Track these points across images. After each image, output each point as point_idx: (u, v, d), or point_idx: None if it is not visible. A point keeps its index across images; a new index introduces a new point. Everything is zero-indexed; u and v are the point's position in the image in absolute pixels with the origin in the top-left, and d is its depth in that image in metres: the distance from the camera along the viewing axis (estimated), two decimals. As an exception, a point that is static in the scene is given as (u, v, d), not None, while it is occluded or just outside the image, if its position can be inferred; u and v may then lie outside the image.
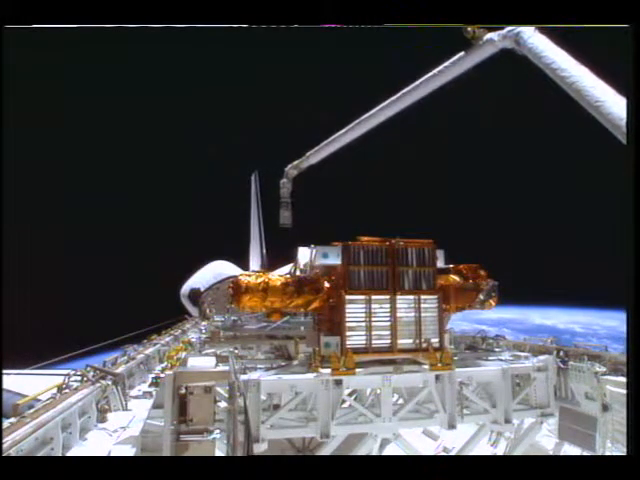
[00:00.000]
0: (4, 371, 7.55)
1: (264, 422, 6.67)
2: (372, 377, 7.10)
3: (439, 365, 7.23)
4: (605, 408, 7.89)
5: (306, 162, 14.49)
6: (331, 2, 4.22)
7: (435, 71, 9.51)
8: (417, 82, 9.87)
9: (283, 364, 8.08)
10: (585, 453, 8.11)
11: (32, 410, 7.12)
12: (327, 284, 7.68)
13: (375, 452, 8.18)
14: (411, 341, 7.42)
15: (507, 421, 7.63)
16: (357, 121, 11.59)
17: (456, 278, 8.56)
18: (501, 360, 8.42)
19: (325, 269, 7.89)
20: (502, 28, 7.99)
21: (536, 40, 7.60)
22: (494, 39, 8.34)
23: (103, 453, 7.47)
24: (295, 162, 14.88)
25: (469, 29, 8.46)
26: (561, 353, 9.04)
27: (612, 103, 6.17)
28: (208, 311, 12.27)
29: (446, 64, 9.33)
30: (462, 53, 9.02)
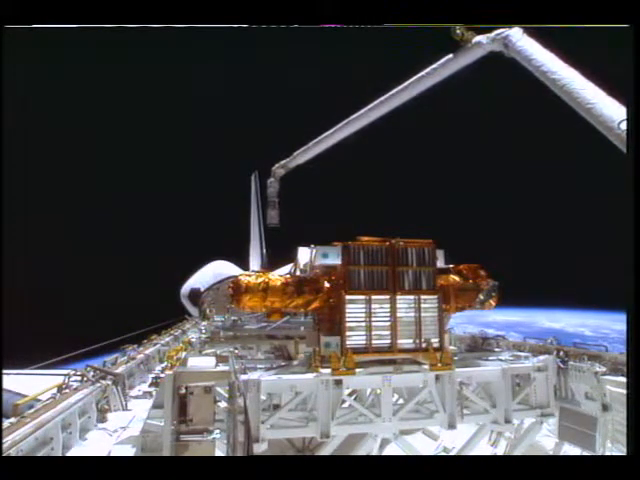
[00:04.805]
0: (4, 371, 7.54)
1: (264, 422, 6.66)
2: (372, 377, 7.09)
3: (439, 365, 7.22)
4: (605, 408, 7.88)
5: (293, 162, 14.54)
6: (331, 2, 4.22)
7: (423, 73, 9.53)
8: (405, 83, 9.90)
9: (283, 364, 8.07)
10: (585, 453, 8.10)
11: (32, 410, 7.12)
12: (327, 284, 7.68)
13: (375, 452, 8.18)
14: (411, 341, 7.41)
15: (507, 421, 7.62)
16: (344, 122, 11.66)
17: (456, 278, 8.56)
18: (501, 360, 8.41)
19: (325, 269, 7.88)
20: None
21: (525, 43, 7.60)
22: (482, 42, 8.34)
23: (103, 453, 7.48)
24: (282, 162, 14.93)
25: (458, 31, 8.46)
26: (561, 353, 9.03)
27: (603, 105, 6.17)
28: (208, 311, 12.24)
29: (434, 66, 9.35)
30: (450, 55, 9.03)
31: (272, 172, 15.41)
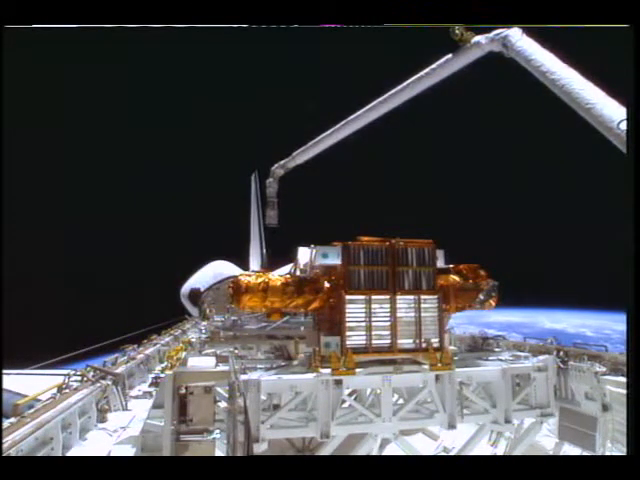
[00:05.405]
0: (4, 371, 7.54)
1: (264, 422, 6.66)
2: (372, 377, 7.09)
3: (439, 365, 7.23)
4: (605, 408, 7.89)
5: (292, 162, 14.57)
6: (331, 2, 4.21)
7: (422, 73, 9.52)
8: (405, 84, 9.89)
9: (283, 364, 8.07)
10: (585, 453, 8.10)
11: (32, 410, 7.12)
12: (327, 284, 7.68)
13: (375, 452, 8.18)
14: (411, 341, 7.41)
15: (507, 421, 7.62)
16: (344, 122, 11.66)
17: (456, 278, 8.55)
18: (501, 360, 8.41)
19: (325, 269, 7.88)
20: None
21: (524, 43, 7.59)
22: (481, 42, 8.32)
23: (103, 453, 7.48)
24: (281, 162, 14.97)
25: (457, 31, 8.44)
26: (561, 353, 9.03)
27: (602, 105, 6.16)
28: (208, 311, 12.25)
29: (433, 66, 9.34)
30: (449, 55, 9.02)
31: (271, 172, 15.45)
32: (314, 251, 7.81)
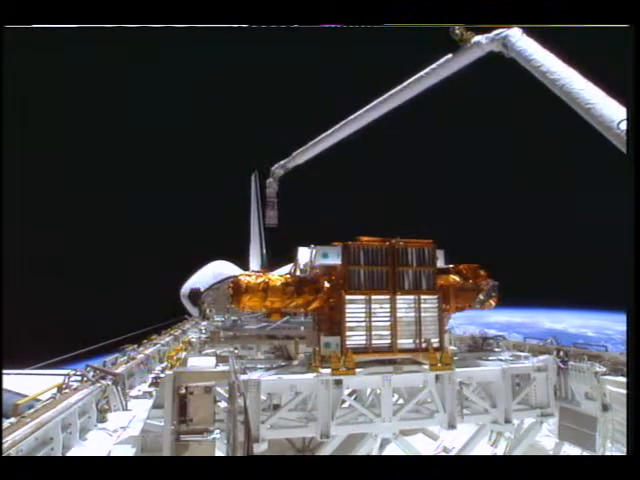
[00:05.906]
0: (4, 371, 7.54)
1: (264, 422, 6.66)
2: (372, 377, 7.09)
3: (439, 365, 7.22)
4: (605, 408, 7.88)
5: (292, 162, 14.60)
6: (331, 2, 4.21)
7: (422, 73, 9.53)
8: (405, 84, 9.90)
9: (283, 364, 8.07)
10: (585, 453, 8.10)
11: (32, 410, 7.12)
12: (327, 284, 7.68)
13: (375, 452, 8.17)
14: (411, 341, 7.41)
15: (507, 421, 7.62)
16: (343, 122, 11.68)
17: (456, 278, 8.55)
18: (501, 360, 8.41)
19: (325, 269, 7.88)
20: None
21: (524, 43, 7.60)
22: (481, 42, 8.33)
23: (103, 453, 7.48)
24: (281, 162, 15.00)
25: (457, 31, 8.46)
26: (561, 353, 9.03)
27: (602, 105, 6.17)
28: (208, 311, 12.27)
29: (433, 66, 9.35)
30: (449, 55, 9.04)
31: (271, 172, 15.48)
32: (314, 251, 7.81)
